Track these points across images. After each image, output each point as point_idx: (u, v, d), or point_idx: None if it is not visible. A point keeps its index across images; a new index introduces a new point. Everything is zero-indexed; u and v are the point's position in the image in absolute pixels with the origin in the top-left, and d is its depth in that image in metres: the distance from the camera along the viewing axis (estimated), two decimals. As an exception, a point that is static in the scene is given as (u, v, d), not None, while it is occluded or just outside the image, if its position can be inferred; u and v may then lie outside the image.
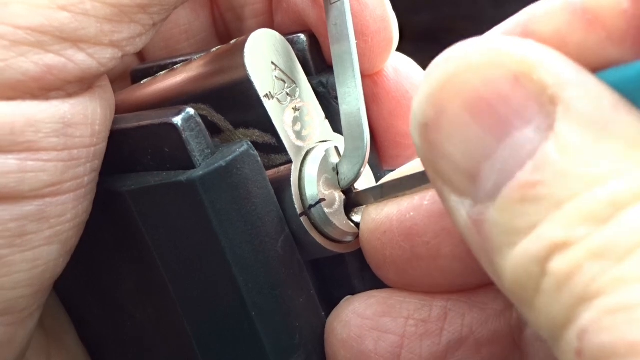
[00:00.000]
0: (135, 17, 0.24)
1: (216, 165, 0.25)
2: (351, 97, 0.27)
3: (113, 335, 0.30)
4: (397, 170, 0.27)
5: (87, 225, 0.26)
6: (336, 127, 0.28)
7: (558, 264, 0.17)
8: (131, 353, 0.31)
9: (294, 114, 0.27)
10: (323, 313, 0.28)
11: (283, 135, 0.27)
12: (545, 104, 0.18)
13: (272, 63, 0.27)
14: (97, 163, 0.25)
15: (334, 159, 0.27)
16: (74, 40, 0.23)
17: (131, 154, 0.27)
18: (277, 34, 0.28)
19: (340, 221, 0.27)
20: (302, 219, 0.26)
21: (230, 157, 0.25)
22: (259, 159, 0.26)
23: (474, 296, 0.26)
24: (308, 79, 0.29)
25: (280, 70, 0.27)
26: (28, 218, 0.23)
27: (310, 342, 0.27)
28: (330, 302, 0.28)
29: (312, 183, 0.27)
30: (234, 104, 0.27)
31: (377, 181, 0.29)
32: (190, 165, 0.25)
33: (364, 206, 0.27)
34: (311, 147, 0.27)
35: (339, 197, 0.27)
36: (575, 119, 0.18)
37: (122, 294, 0.29)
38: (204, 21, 0.34)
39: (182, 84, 0.28)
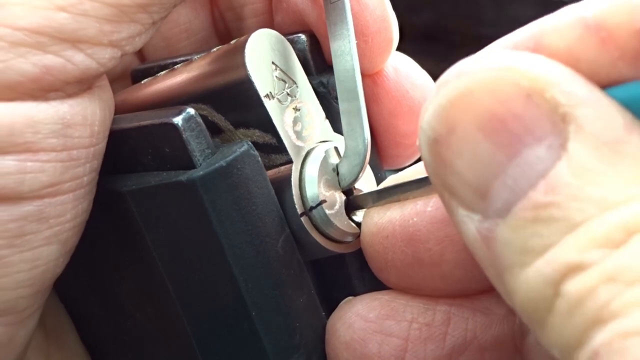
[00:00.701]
0: (135, 16, 0.24)
1: (216, 165, 0.25)
2: (351, 96, 0.27)
3: (113, 335, 0.30)
4: (400, 173, 0.27)
5: (87, 225, 0.26)
6: (337, 127, 0.28)
7: (572, 287, 0.17)
8: (131, 353, 0.31)
9: (294, 114, 0.27)
10: (323, 313, 0.28)
11: (283, 135, 0.27)
12: (557, 122, 0.18)
13: (273, 63, 0.27)
14: (97, 163, 0.25)
15: (334, 159, 0.27)
16: (73, 40, 0.23)
17: (131, 154, 0.27)
18: (277, 34, 0.28)
19: (341, 222, 0.27)
20: (302, 219, 0.26)
21: (231, 157, 0.25)
22: (260, 159, 0.26)
23: (476, 301, 0.26)
24: (308, 79, 0.29)
25: (281, 70, 0.27)
26: (27, 218, 0.23)
27: (310, 342, 0.27)
28: (331, 302, 0.28)
29: (312, 183, 0.27)
30: (234, 104, 0.27)
31: (377, 181, 0.29)
32: (190, 165, 0.25)
33: (366, 209, 0.27)
34: (312, 147, 0.27)
35: (339, 197, 0.27)
36: (587, 139, 0.18)
37: (122, 293, 0.29)
38: (204, 20, 0.34)
39: (183, 84, 0.28)
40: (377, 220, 0.26)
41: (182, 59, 0.31)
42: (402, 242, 0.25)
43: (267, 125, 0.27)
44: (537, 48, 0.20)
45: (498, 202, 0.19)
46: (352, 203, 0.27)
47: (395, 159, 0.31)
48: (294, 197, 0.26)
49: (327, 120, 0.29)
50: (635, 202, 0.17)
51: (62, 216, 0.24)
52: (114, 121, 0.26)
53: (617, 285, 0.16)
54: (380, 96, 0.30)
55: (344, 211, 0.27)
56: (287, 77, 0.28)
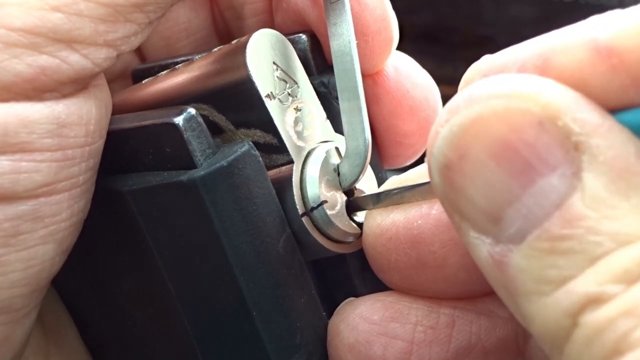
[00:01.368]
0: (131, 16, 0.24)
1: (217, 165, 0.25)
2: (352, 96, 0.27)
3: (114, 334, 0.30)
4: (402, 174, 0.27)
5: (88, 225, 0.26)
6: (337, 127, 0.28)
7: (591, 318, 0.18)
8: (132, 353, 0.31)
9: (295, 114, 0.27)
10: (324, 313, 0.28)
11: (284, 136, 0.27)
12: (569, 150, 0.18)
13: (274, 63, 0.27)
14: (93, 162, 0.25)
15: (335, 159, 0.27)
16: (67, 41, 0.23)
17: (132, 153, 0.27)
18: (278, 34, 0.28)
19: (342, 222, 0.27)
20: (303, 219, 0.26)
21: (232, 157, 0.25)
22: (261, 159, 0.26)
23: (480, 303, 0.26)
24: (309, 79, 0.29)
25: (282, 70, 0.27)
26: (22, 218, 0.23)
27: (311, 342, 0.27)
28: (331, 303, 0.28)
29: (313, 184, 0.27)
30: (235, 104, 0.27)
31: (378, 181, 0.29)
32: (191, 165, 0.25)
33: (368, 210, 0.27)
34: (313, 147, 0.27)
35: (340, 198, 0.27)
36: (601, 170, 0.18)
37: (123, 293, 0.29)
38: (204, 19, 0.34)
39: (184, 83, 0.28)
40: (379, 222, 0.26)
41: (182, 58, 0.31)
42: (406, 244, 0.25)
43: (268, 125, 0.27)
44: (546, 67, 0.20)
45: (511, 229, 0.19)
46: (353, 204, 0.27)
47: (396, 159, 0.31)
48: (295, 197, 0.26)
49: (328, 121, 0.29)
50: None
51: (58, 215, 0.24)
52: (115, 121, 0.26)
53: (635, 319, 0.17)
54: (380, 96, 0.30)
55: (345, 211, 0.27)
56: (288, 77, 0.28)
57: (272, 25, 0.32)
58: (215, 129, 0.27)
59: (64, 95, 0.24)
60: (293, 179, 0.27)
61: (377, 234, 0.26)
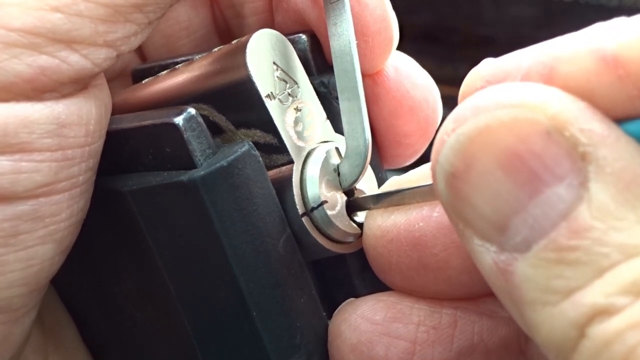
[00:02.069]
0: (130, 16, 0.24)
1: (217, 165, 0.25)
2: (352, 96, 0.27)
3: (114, 334, 0.30)
4: (403, 175, 0.27)
5: (88, 225, 0.26)
6: (337, 127, 0.28)
7: (599, 330, 0.18)
8: (132, 352, 0.31)
9: (295, 115, 0.27)
10: (324, 313, 0.28)
11: (284, 136, 0.27)
12: (576, 161, 0.18)
13: (274, 63, 0.27)
14: (93, 162, 0.25)
15: (335, 159, 0.27)
16: (67, 41, 0.23)
17: (132, 153, 0.27)
18: (278, 34, 0.28)
19: (342, 222, 0.27)
20: (303, 219, 0.26)
21: (232, 157, 0.25)
22: (261, 159, 0.26)
23: (482, 304, 0.26)
24: (309, 79, 0.29)
25: (282, 70, 0.27)
26: (22, 218, 0.23)
27: (311, 342, 0.27)
28: (331, 303, 0.28)
29: (313, 184, 0.27)
30: (235, 104, 0.27)
31: (378, 181, 0.29)
32: (191, 165, 0.25)
33: (368, 210, 0.27)
34: (313, 147, 0.27)
35: (340, 198, 0.27)
36: (608, 180, 0.18)
37: (123, 293, 0.29)
38: (204, 18, 0.34)
39: (184, 83, 0.28)
40: (380, 223, 0.26)
41: (183, 58, 0.31)
42: (408, 246, 0.25)
43: (268, 125, 0.27)
44: (551, 76, 0.20)
45: (517, 238, 0.19)
46: (353, 204, 0.27)
47: (396, 159, 0.31)
48: (295, 197, 0.26)
49: (328, 121, 0.29)
50: None
51: (57, 215, 0.24)
52: (115, 121, 0.26)
53: None
54: (380, 96, 0.30)
55: (345, 212, 0.27)
56: (288, 77, 0.28)
57: (272, 25, 0.32)
58: (215, 129, 0.27)
59: (64, 96, 0.24)
60: (293, 179, 0.27)
61: (378, 235, 0.26)
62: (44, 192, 0.24)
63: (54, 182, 0.24)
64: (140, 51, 0.34)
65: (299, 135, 0.27)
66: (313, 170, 0.27)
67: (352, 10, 0.28)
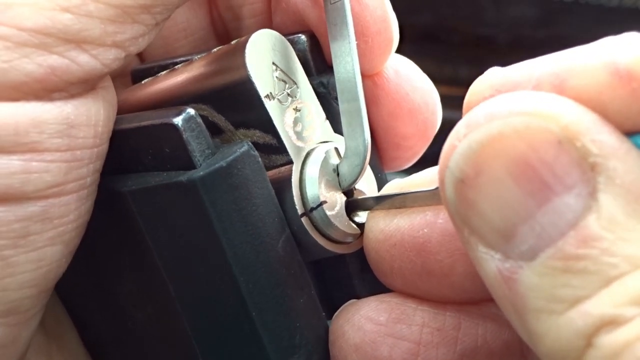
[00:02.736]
0: (139, 17, 0.24)
1: (217, 165, 0.25)
2: (351, 97, 0.27)
3: (114, 335, 0.30)
4: (406, 178, 0.27)
5: (88, 225, 0.26)
6: (337, 127, 0.28)
7: (607, 341, 0.18)
8: (132, 353, 0.31)
9: (294, 115, 0.27)
10: (324, 314, 0.28)
11: (284, 136, 0.27)
12: (586, 171, 0.18)
13: (273, 63, 0.27)
14: (100, 164, 0.25)
15: (334, 160, 0.27)
16: (77, 41, 0.23)
17: (132, 154, 0.27)
18: (277, 34, 0.28)
19: (341, 222, 0.27)
20: (303, 219, 0.26)
21: (231, 157, 0.25)
22: (260, 159, 0.26)
23: (484, 307, 0.26)
24: (309, 80, 0.29)
25: (281, 70, 0.27)
26: (32, 219, 0.23)
27: (310, 342, 0.27)
28: (331, 303, 0.28)
29: (313, 184, 0.27)
30: (234, 104, 0.27)
31: (377, 182, 0.29)
32: (190, 165, 0.25)
33: (369, 212, 0.27)
34: (312, 147, 0.27)
35: (339, 198, 0.27)
36: (618, 192, 0.18)
37: (122, 294, 0.29)
38: (202, 19, 0.34)
39: (183, 84, 0.28)
40: (383, 227, 0.26)
41: (182, 59, 0.31)
42: (411, 252, 0.26)
43: (268, 125, 0.27)
44: (563, 87, 0.20)
45: (523, 246, 0.19)
46: (353, 204, 0.27)
47: (395, 161, 0.31)
48: (295, 197, 0.26)
49: (327, 121, 0.29)
50: None
51: (66, 216, 0.24)
52: (115, 121, 0.26)
53: None
54: (380, 98, 0.30)
55: (344, 212, 0.27)
56: (287, 78, 0.28)
57: (270, 26, 0.32)
58: (214, 129, 0.27)
59: (73, 96, 0.24)
60: (292, 180, 0.27)
61: (381, 239, 0.26)
62: (53, 193, 0.24)
63: (64, 183, 0.24)
64: (138, 52, 0.34)
65: (298, 135, 0.27)
66: (312, 170, 0.27)
67: (352, 10, 0.28)
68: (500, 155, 0.19)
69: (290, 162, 0.27)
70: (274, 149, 0.27)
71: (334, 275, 0.29)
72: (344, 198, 0.27)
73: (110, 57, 0.24)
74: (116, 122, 0.26)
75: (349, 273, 0.29)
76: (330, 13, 0.28)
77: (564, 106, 0.19)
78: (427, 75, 0.31)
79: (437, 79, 0.32)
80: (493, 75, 0.22)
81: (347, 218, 0.27)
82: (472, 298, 0.26)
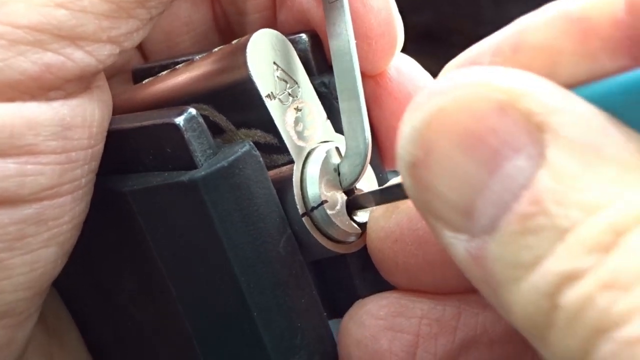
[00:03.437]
0: (133, 12, 0.24)
1: (218, 165, 0.25)
2: (351, 96, 0.27)
3: (114, 335, 0.30)
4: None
5: (88, 225, 0.26)
6: (338, 127, 0.28)
7: (569, 297, 0.17)
8: (132, 353, 0.31)
9: (295, 114, 0.27)
10: (325, 314, 0.28)
11: (285, 136, 0.27)
12: (533, 132, 0.18)
13: (274, 63, 0.27)
14: (95, 164, 0.25)
15: (335, 159, 0.27)
16: (72, 37, 0.23)
17: (133, 154, 0.27)
18: (278, 34, 0.28)
19: (342, 222, 0.27)
20: (304, 219, 0.26)
21: (232, 157, 0.25)
22: (261, 159, 0.26)
23: None
24: (310, 79, 0.29)
25: (282, 70, 0.27)
26: (27, 221, 0.23)
27: (312, 342, 0.27)
28: (332, 303, 0.28)
29: (314, 184, 0.26)
30: (235, 104, 0.27)
31: (378, 181, 0.29)
32: (192, 165, 0.25)
33: (370, 212, 0.27)
34: (313, 147, 0.27)
35: (340, 197, 0.27)
36: (565, 145, 0.18)
37: (123, 294, 0.29)
38: (204, 14, 0.34)
39: (184, 84, 0.28)
40: (383, 225, 0.26)
41: (183, 58, 0.31)
42: (412, 245, 0.25)
43: (269, 125, 0.27)
44: (520, 44, 0.20)
45: (484, 219, 0.18)
46: (354, 201, 0.27)
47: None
48: (296, 197, 0.26)
49: (328, 121, 0.29)
50: (617, 202, 0.17)
51: (61, 218, 0.24)
52: (115, 121, 0.26)
53: (614, 291, 0.16)
54: (382, 97, 0.30)
55: (345, 211, 0.27)
56: (288, 77, 0.28)
57: (274, 23, 0.32)
58: (215, 129, 0.27)
59: (69, 94, 0.24)
60: (293, 179, 0.27)
61: (383, 237, 0.26)
62: (48, 195, 0.24)
63: (58, 185, 0.24)
64: (140, 47, 0.34)
65: (299, 135, 0.27)
66: (313, 170, 0.27)
67: (357, 12, 0.28)
68: (445, 130, 0.19)
69: (292, 162, 0.27)
70: (275, 149, 0.27)
71: (335, 275, 0.29)
72: (344, 197, 0.27)
73: (105, 53, 0.24)
74: (117, 122, 0.26)
75: (350, 273, 0.29)
76: (329, 12, 0.28)
77: (501, 73, 0.19)
78: (427, 74, 0.31)
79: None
80: (458, 56, 0.22)
81: (348, 217, 0.27)
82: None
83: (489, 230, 0.18)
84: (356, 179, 0.27)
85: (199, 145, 0.25)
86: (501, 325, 0.25)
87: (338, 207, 0.27)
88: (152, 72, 0.32)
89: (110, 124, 0.26)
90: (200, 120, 0.25)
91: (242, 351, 0.26)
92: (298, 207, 0.26)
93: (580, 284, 0.17)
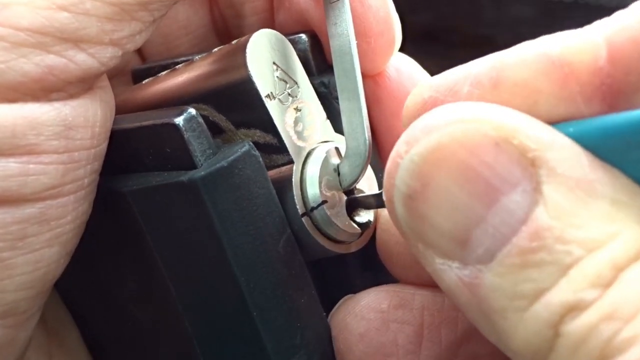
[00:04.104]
0: (136, 14, 0.24)
1: (218, 165, 0.25)
2: (351, 96, 0.27)
3: (114, 335, 0.31)
4: None
5: (88, 225, 0.26)
6: (337, 127, 0.28)
7: (573, 327, 0.18)
8: (132, 353, 0.31)
9: (295, 115, 0.27)
10: (324, 313, 0.28)
11: (284, 136, 0.27)
12: (527, 167, 0.19)
13: (274, 63, 0.27)
14: (97, 164, 0.25)
15: (335, 159, 0.27)
16: (74, 40, 0.23)
17: (133, 154, 0.27)
18: (278, 34, 0.28)
19: (342, 222, 0.27)
20: (303, 219, 0.26)
21: (232, 157, 0.25)
22: (261, 159, 0.26)
23: None
24: (309, 79, 0.29)
25: (282, 70, 0.27)
26: (29, 221, 0.23)
27: (311, 342, 0.27)
28: (331, 303, 0.28)
29: (313, 184, 0.27)
30: (235, 104, 0.27)
31: (378, 181, 0.29)
32: (191, 165, 0.25)
33: (376, 210, 0.27)
34: (313, 147, 0.27)
35: (340, 198, 0.27)
36: (560, 181, 0.19)
37: (123, 294, 0.29)
38: (203, 17, 0.34)
39: (184, 84, 0.28)
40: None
41: (183, 59, 0.31)
42: None
43: (268, 125, 0.27)
44: (500, 79, 0.21)
45: (479, 249, 0.19)
46: (354, 202, 0.27)
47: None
48: (295, 197, 0.26)
49: (328, 121, 0.29)
50: (615, 241, 0.18)
51: (63, 218, 0.24)
52: (115, 121, 0.26)
53: (616, 322, 0.17)
54: (382, 97, 0.30)
55: (345, 211, 0.27)
56: (288, 78, 0.28)
57: (272, 24, 0.32)
58: (215, 129, 0.27)
59: (71, 96, 0.24)
60: (293, 179, 0.27)
61: (392, 231, 0.26)
62: (51, 195, 0.24)
63: (61, 185, 0.24)
64: (138, 49, 0.34)
65: (299, 135, 0.27)
66: (313, 170, 0.27)
67: (355, 11, 0.28)
68: (443, 165, 0.20)
69: (291, 162, 0.27)
70: (274, 149, 0.27)
71: (335, 275, 0.29)
72: (344, 197, 0.27)
73: (107, 56, 0.24)
74: (117, 122, 0.26)
75: (350, 273, 0.29)
76: (330, 13, 0.28)
77: (495, 110, 0.20)
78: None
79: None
80: (432, 79, 0.23)
81: (348, 217, 0.27)
82: None
83: (485, 261, 0.19)
84: (356, 179, 0.27)
85: (198, 145, 0.25)
86: None
87: (338, 207, 0.27)
88: (151, 72, 0.32)
89: None
90: (200, 120, 0.25)
91: (241, 351, 0.26)
92: (298, 207, 0.26)
93: (584, 315, 0.18)
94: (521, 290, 0.19)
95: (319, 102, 0.29)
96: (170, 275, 0.26)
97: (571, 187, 0.19)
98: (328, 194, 0.27)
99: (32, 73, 0.23)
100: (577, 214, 0.18)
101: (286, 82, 0.27)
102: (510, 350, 0.19)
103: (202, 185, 0.24)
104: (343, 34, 0.27)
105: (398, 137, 0.30)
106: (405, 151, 0.20)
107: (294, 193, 0.26)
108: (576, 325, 0.18)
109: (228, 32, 0.34)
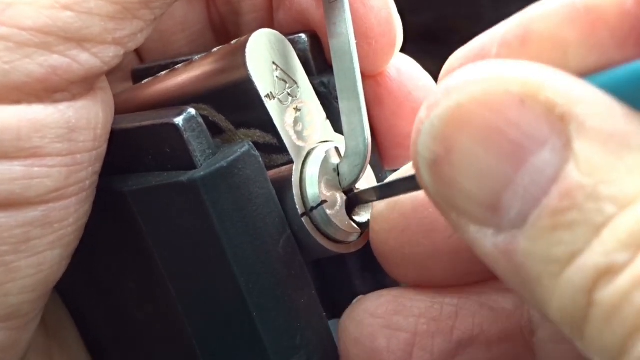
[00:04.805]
0: (138, 13, 0.24)
1: (217, 165, 0.25)
2: (351, 96, 0.27)
3: (114, 335, 0.30)
4: (402, 168, 0.27)
5: (88, 226, 0.26)
6: (337, 127, 0.28)
7: (605, 295, 0.17)
8: (132, 353, 0.31)
9: (295, 114, 0.27)
10: (324, 314, 0.28)
11: (284, 136, 0.27)
12: (556, 124, 0.18)
13: (274, 63, 0.27)
14: (98, 166, 0.25)
15: (335, 159, 0.27)
16: (78, 39, 0.23)
17: (132, 154, 0.27)
18: (278, 33, 0.28)
19: (342, 222, 0.27)
20: (303, 219, 0.26)
21: (232, 157, 0.25)
22: (260, 159, 0.26)
23: (484, 295, 0.26)
24: (309, 79, 0.29)
25: (282, 70, 0.27)
26: (33, 224, 0.23)
27: (311, 342, 0.27)
28: (331, 303, 0.28)
29: (313, 184, 0.26)
30: (235, 104, 0.27)
31: (378, 181, 0.29)
32: (191, 165, 0.25)
33: (372, 206, 0.27)
34: (312, 147, 0.27)
35: (340, 197, 0.27)
36: (592, 136, 0.17)
37: (123, 293, 0.29)
38: (200, 14, 0.34)
39: (183, 84, 0.28)
40: (387, 216, 0.26)
41: (182, 59, 0.31)
42: (419, 234, 0.25)
43: (268, 125, 0.27)
44: (527, 35, 0.20)
45: (511, 213, 0.18)
46: (355, 198, 0.27)
47: (397, 160, 0.31)
48: (295, 197, 0.26)
49: (328, 121, 0.29)
50: None
51: (66, 220, 0.24)
52: (115, 121, 0.26)
53: None
54: (382, 97, 0.30)
55: (344, 211, 0.27)
56: (287, 77, 0.28)
57: (271, 23, 0.32)
58: (215, 129, 0.27)
59: (74, 96, 0.24)
60: (293, 179, 0.26)
61: (387, 229, 0.26)
62: (54, 198, 0.24)
63: (64, 187, 0.24)
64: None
65: (299, 135, 0.27)
66: (312, 170, 0.27)
67: (357, 12, 0.28)
68: (465, 127, 0.19)
69: (291, 162, 0.27)
70: (274, 149, 0.27)
71: (335, 275, 0.29)
72: (344, 197, 0.27)
73: (110, 55, 0.24)
74: (117, 122, 0.26)
75: (350, 273, 0.29)
76: (329, 12, 0.28)
77: (519, 66, 0.19)
78: (426, 74, 0.31)
79: (437, 79, 0.32)
80: (461, 49, 0.22)
81: (348, 217, 0.27)
82: (485, 270, 0.26)
83: (518, 225, 0.18)
84: (356, 179, 0.27)
85: (198, 145, 0.25)
86: (498, 326, 0.25)
87: (337, 207, 0.27)
88: (151, 72, 0.32)
89: None
90: (200, 120, 0.25)
91: (241, 351, 0.26)
92: (297, 207, 0.26)
93: (616, 280, 0.16)
94: (554, 254, 0.17)
95: (318, 102, 0.28)
96: (170, 275, 0.26)
97: (604, 140, 0.17)
98: (328, 193, 0.27)
99: (36, 73, 0.23)
100: (610, 169, 0.17)
101: (286, 82, 0.27)
102: (552, 320, 0.18)
103: (201, 185, 0.24)
104: (343, 33, 0.27)
105: (399, 136, 0.31)
106: (426, 116, 0.19)
107: (294, 193, 0.26)
108: (609, 292, 0.16)
109: (225, 29, 0.34)
